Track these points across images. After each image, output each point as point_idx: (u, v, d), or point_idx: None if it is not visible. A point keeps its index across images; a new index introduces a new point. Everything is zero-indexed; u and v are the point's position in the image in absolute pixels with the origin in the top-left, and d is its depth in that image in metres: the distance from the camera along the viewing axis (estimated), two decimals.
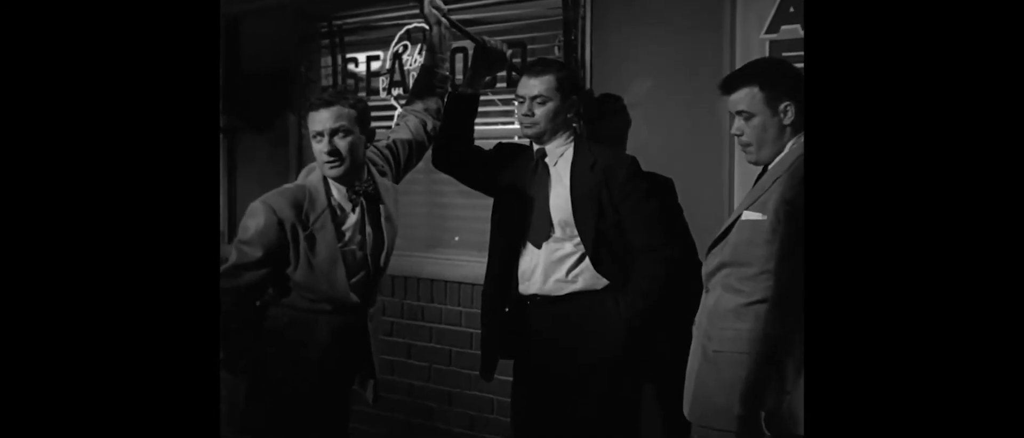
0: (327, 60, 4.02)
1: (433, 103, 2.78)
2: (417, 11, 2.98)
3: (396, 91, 3.75)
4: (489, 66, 2.89)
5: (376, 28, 3.84)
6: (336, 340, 2.46)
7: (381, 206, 2.48)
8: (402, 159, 2.66)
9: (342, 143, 2.39)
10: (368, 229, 2.47)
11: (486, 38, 2.87)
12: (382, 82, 3.82)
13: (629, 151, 2.89)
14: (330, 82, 4.00)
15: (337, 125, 2.37)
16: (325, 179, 2.44)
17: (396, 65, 3.75)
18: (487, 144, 2.98)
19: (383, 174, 2.55)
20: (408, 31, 3.72)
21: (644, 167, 2.73)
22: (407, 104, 2.82)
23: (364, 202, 2.47)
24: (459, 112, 2.84)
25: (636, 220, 2.64)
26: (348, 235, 2.44)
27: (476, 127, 2.91)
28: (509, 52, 2.91)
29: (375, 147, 2.60)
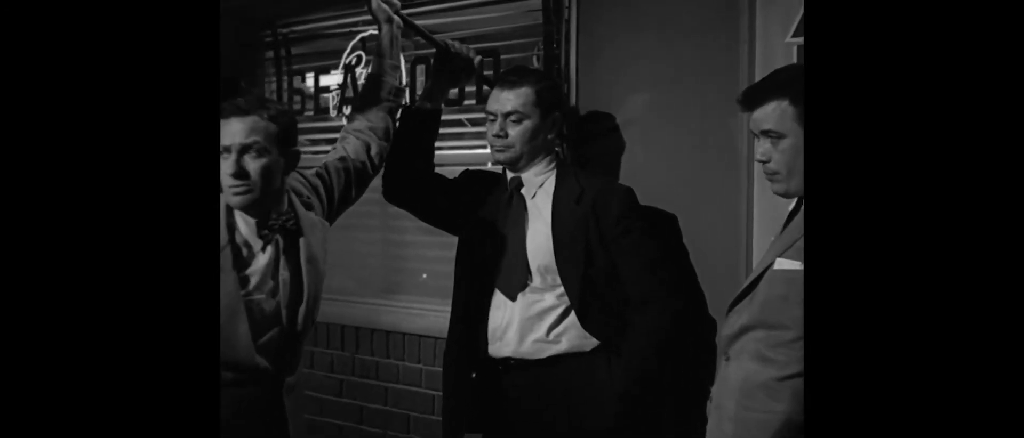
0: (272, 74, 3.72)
1: (381, 120, 2.33)
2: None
3: (348, 109, 3.35)
4: (453, 75, 2.51)
5: (326, 36, 3.53)
6: (240, 421, 1.97)
7: (302, 244, 2.02)
8: (336, 189, 2.20)
9: (253, 164, 1.96)
10: (284, 273, 2.03)
11: (450, 41, 2.48)
12: (332, 99, 3.49)
13: (623, 180, 2.58)
14: (274, 97, 3.65)
15: (249, 140, 1.95)
16: (230, 209, 1.99)
17: (348, 79, 3.41)
18: (451, 172, 2.62)
19: (309, 207, 2.10)
20: (363, 40, 3.38)
21: (642, 200, 2.41)
22: (349, 121, 2.37)
23: (280, 240, 2.02)
24: (416, 131, 2.47)
25: (632, 266, 2.31)
26: (254, 281, 2.00)
27: (438, 151, 2.58)
28: (478, 59, 2.50)
29: (300, 174, 2.15)
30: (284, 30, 3.65)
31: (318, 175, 2.19)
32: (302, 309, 2.04)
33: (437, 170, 2.57)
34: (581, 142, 2.73)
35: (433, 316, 3.12)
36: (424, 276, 3.32)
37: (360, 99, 2.39)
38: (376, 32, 3.21)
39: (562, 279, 2.32)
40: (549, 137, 2.41)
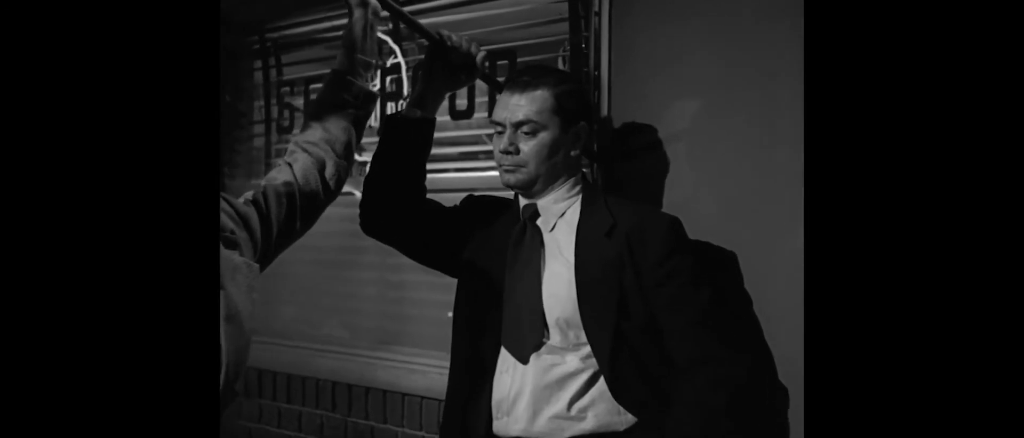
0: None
1: (342, 132, 1.91)
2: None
3: None
4: (450, 75, 2.11)
5: (320, 41, 3.22)
6: None
7: (220, 298, 1.61)
8: (274, 222, 1.77)
9: None
10: None
11: (446, 32, 2.09)
12: None
13: (667, 208, 2.24)
14: (262, 113, 3.41)
15: None
16: None
17: None
18: (448, 198, 2.25)
19: (232, 245, 1.68)
20: None
21: (692, 233, 2.06)
22: (301, 131, 1.95)
23: None
24: (402, 145, 2.10)
25: (679, 319, 1.95)
26: None
27: (443, 173, 2.48)
28: (482, 54, 2.11)
29: (227, 201, 1.73)
30: (273, 36, 3.36)
31: (253, 201, 1.76)
32: (220, 380, 1.61)
33: (435, 197, 2.20)
34: (614, 160, 2.39)
35: (436, 374, 2.80)
36: (449, 314, 2.97)
37: (317, 103, 1.96)
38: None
39: (588, 336, 1.95)
40: (572, 154, 2.03)
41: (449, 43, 2.03)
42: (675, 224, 1.98)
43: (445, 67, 2.06)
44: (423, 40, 2.15)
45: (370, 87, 1.91)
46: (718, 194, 2.26)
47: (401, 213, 2.09)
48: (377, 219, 2.10)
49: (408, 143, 2.07)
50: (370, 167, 2.09)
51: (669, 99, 2.34)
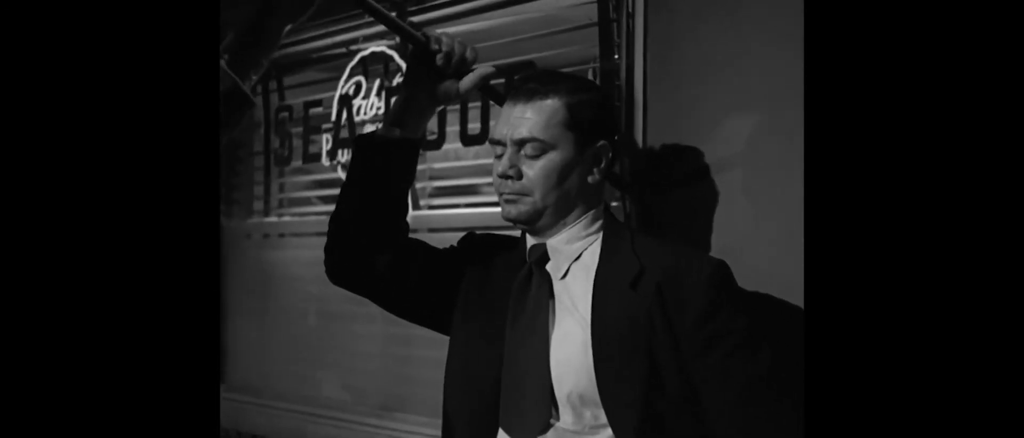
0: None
1: None
2: (374, 27, 2.40)
3: (343, 155, 2.82)
4: (438, 87, 1.77)
5: (324, 59, 2.96)
6: None
7: None
8: None
9: None
10: None
11: (433, 33, 1.76)
12: (325, 142, 2.89)
13: (718, 252, 1.92)
14: (260, 146, 3.17)
15: None
16: None
17: (343, 115, 2.80)
18: (440, 238, 1.94)
19: None
20: (363, 59, 2.78)
21: (746, 282, 1.74)
22: None
23: None
24: (377, 173, 1.75)
25: (726, 395, 1.64)
26: None
27: (453, 209, 2.39)
28: (476, 60, 1.78)
29: None
30: (274, 55, 3.08)
31: None
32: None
33: (431, 237, 1.91)
34: (650, 191, 2.07)
35: None
36: None
37: None
38: (379, 49, 2.72)
39: (609, 417, 1.61)
40: (590, 180, 1.68)
41: (434, 47, 1.69)
42: (721, 269, 1.63)
43: (431, 76, 1.72)
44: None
45: (250, 92, 1.56)
46: (781, 233, 1.92)
47: (375, 257, 1.74)
48: (345, 264, 1.76)
49: (385, 169, 1.72)
50: (338, 199, 1.75)
51: (721, 113, 2.04)
